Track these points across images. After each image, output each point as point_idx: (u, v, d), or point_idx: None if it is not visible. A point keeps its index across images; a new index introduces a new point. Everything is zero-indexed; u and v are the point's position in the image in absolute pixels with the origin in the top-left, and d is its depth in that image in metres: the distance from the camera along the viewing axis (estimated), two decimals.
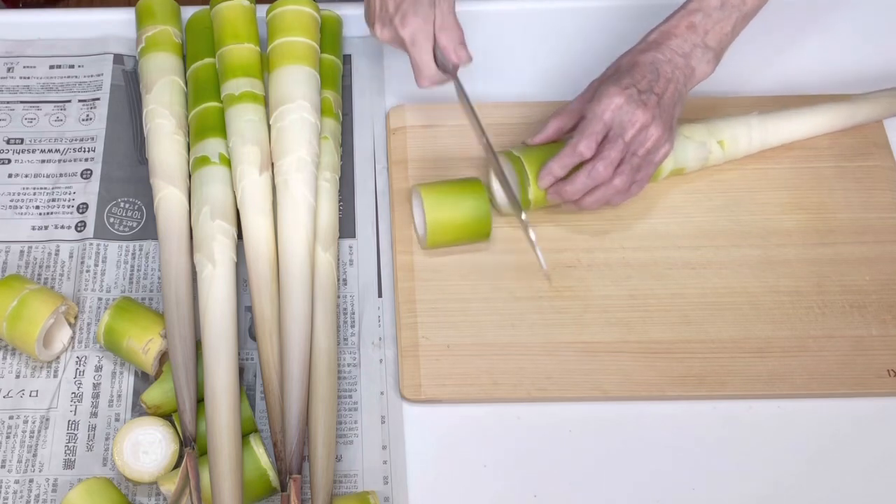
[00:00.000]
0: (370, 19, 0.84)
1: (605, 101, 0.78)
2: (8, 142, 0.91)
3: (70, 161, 0.90)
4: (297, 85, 0.84)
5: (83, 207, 0.87)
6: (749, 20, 0.82)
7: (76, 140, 0.91)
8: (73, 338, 0.81)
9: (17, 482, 0.75)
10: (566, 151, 0.80)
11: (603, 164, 0.79)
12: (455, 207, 0.82)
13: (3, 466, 0.76)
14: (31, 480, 0.75)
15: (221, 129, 0.85)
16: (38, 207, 0.87)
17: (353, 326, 0.82)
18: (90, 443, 0.77)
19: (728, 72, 0.97)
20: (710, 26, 0.80)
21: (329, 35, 0.93)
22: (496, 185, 0.84)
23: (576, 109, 0.83)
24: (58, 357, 0.80)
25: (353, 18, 0.98)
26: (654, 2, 1.00)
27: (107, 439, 0.77)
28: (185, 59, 0.91)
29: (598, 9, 1.00)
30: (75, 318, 0.81)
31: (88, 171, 0.89)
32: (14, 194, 0.88)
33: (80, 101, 0.93)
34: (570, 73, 0.96)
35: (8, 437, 0.77)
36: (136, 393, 0.79)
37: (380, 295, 0.84)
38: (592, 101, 0.80)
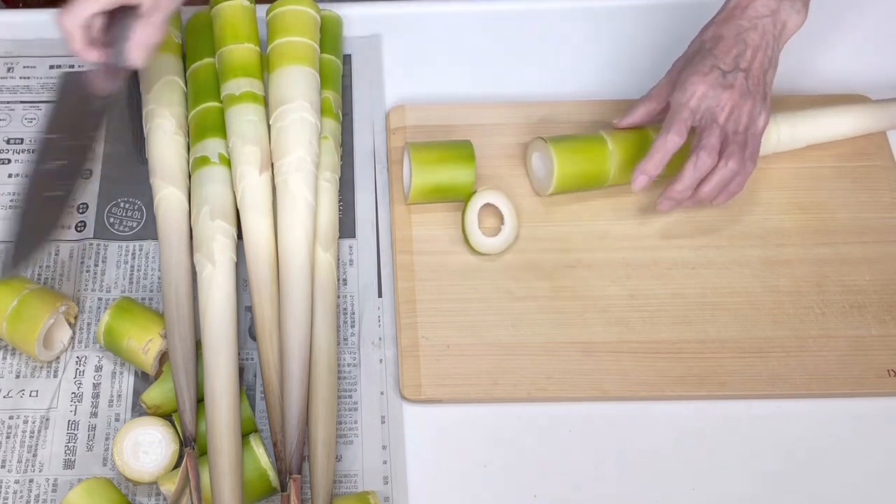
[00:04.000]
0: None
1: (689, 90, 0.78)
2: (8, 142, 0.91)
3: None
4: (297, 85, 0.84)
5: (83, 207, 0.87)
6: None
7: None
8: (73, 338, 0.81)
9: (17, 482, 0.75)
10: (657, 147, 0.79)
11: (705, 151, 0.78)
12: (441, 168, 0.84)
13: (3, 466, 0.76)
14: (31, 480, 0.75)
15: (221, 129, 0.85)
16: None
17: (353, 326, 0.82)
18: (90, 443, 0.77)
19: None
20: None
21: (329, 35, 0.93)
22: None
23: (662, 94, 0.82)
24: (58, 357, 0.80)
25: (353, 18, 0.98)
26: (657, 3, 1.01)
27: (107, 439, 0.77)
28: (185, 59, 0.91)
29: (604, 9, 1.00)
30: (75, 318, 0.81)
31: (88, 171, 0.89)
32: (14, 194, 0.88)
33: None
34: (576, 72, 0.96)
35: (8, 437, 0.77)
36: (136, 393, 0.79)
37: (380, 295, 0.84)
38: (676, 90, 0.79)
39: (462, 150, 0.84)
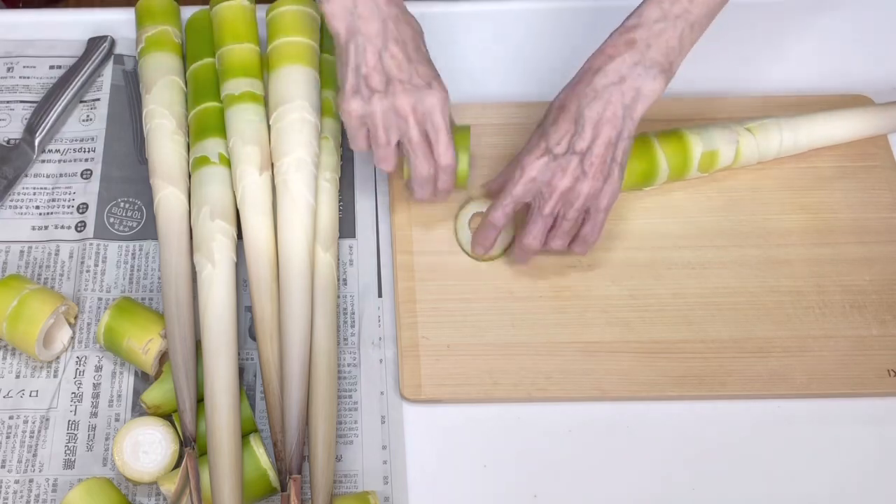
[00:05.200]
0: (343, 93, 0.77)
1: (518, 174, 0.76)
2: (8, 142, 0.91)
3: (70, 161, 0.90)
4: (296, 85, 0.84)
5: (83, 207, 0.87)
6: (700, 30, 0.75)
7: (76, 140, 0.91)
8: (73, 338, 0.81)
9: (17, 482, 0.75)
10: (483, 223, 0.80)
11: (531, 237, 0.78)
12: None
13: (3, 466, 0.76)
14: (31, 480, 0.75)
15: (221, 129, 0.85)
16: (38, 207, 0.87)
17: (353, 326, 0.82)
18: (90, 443, 0.77)
19: (741, 71, 0.97)
20: (652, 40, 0.73)
21: (329, 35, 0.92)
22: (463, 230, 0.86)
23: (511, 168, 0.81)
24: (58, 357, 0.80)
25: None
26: None
27: (107, 439, 0.77)
28: (185, 59, 0.91)
29: (604, 9, 1.00)
30: (75, 318, 0.81)
31: (88, 171, 0.89)
32: (14, 194, 0.88)
33: (80, 101, 0.93)
34: (572, 73, 0.96)
35: (8, 437, 0.77)
36: (136, 393, 0.79)
37: (380, 295, 0.84)
38: (511, 168, 0.78)
39: (458, 136, 0.83)
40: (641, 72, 0.72)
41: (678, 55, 0.74)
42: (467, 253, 0.84)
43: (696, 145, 0.85)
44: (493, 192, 0.84)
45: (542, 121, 0.78)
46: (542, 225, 0.78)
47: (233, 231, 0.81)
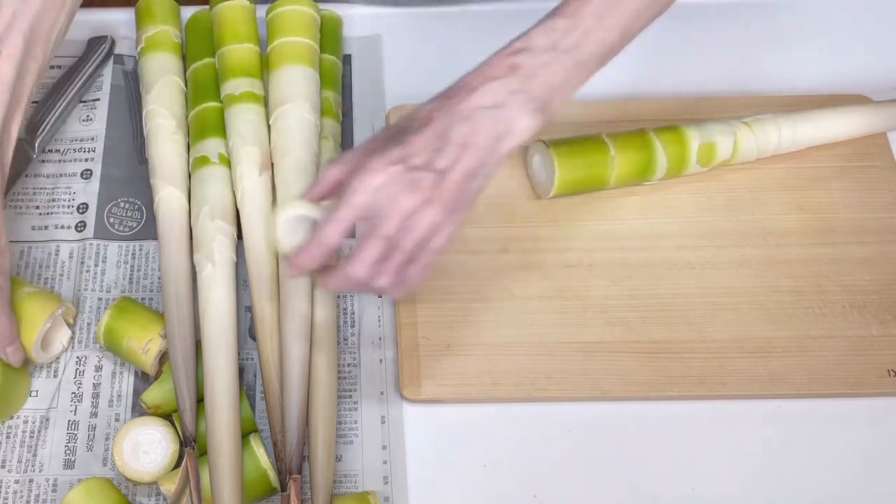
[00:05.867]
0: None
1: (362, 179, 0.63)
2: None
3: (70, 161, 0.90)
4: (296, 85, 0.84)
5: (83, 207, 0.87)
6: (588, 72, 0.66)
7: (76, 140, 0.91)
8: (72, 338, 0.81)
9: (17, 482, 0.75)
10: (313, 241, 0.65)
11: (358, 265, 0.64)
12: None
13: (3, 466, 0.76)
14: (31, 480, 0.75)
15: (221, 129, 0.85)
16: (37, 207, 0.87)
17: (353, 326, 0.82)
18: (90, 443, 0.77)
19: (737, 71, 0.97)
20: (537, 70, 0.64)
21: (329, 35, 0.93)
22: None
23: (352, 160, 0.66)
24: (57, 358, 0.80)
25: (353, 18, 0.98)
26: None
27: (107, 439, 0.77)
28: (185, 60, 0.91)
29: None
30: (74, 318, 0.81)
31: (88, 172, 0.89)
32: (14, 194, 0.88)
33: (80, 101, 0.93)
34: None
35: (8, 437, 0.77)
36: (136, 393, 0.79)
37: (380, 295, 0.84)
38: (354, 172, 0.64)
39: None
40: (519, 104, 0.63)
41: (559, 94, 0.65)
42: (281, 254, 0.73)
43: (694, 138, 0.85)
44: (319, 197, 0.68)
45: (399, 126, 0.66)
46: (377, 251, 0.63)
47: (233, 231, 0.81)
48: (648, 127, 0.86)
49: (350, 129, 0.92)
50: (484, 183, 0.64)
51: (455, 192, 0.63)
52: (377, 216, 0.63)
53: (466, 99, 0.64)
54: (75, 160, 0.90)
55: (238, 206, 0.81)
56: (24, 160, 0.88)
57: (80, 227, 0.86)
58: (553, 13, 0.66)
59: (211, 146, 0.84)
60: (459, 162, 0.63)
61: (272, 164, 0.83)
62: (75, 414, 0.78)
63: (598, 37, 0.65)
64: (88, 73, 0.93)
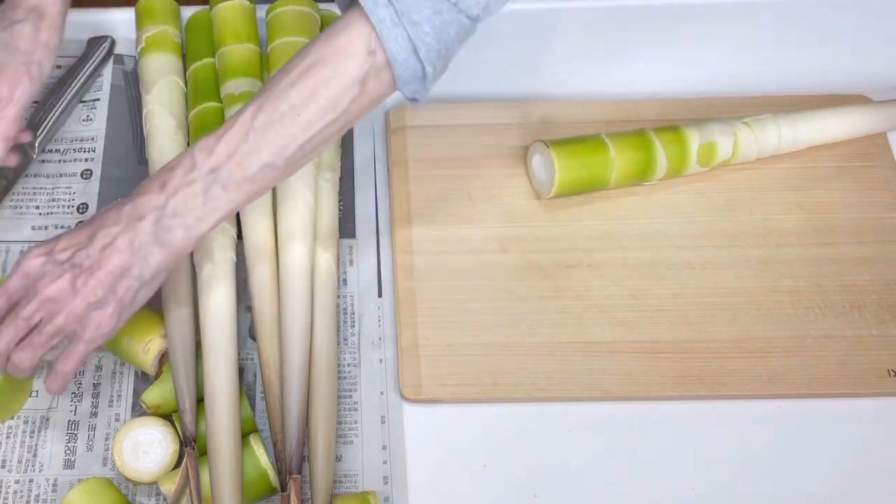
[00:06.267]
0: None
1: (16, 265, 0.68)
2: None
3: (70, 161, 0.90)
4: None
5: (83, 207, 0.87)
6: (239, 193, 0.66)
7: (76, 140, 0.91)
8: None
9: (17, 482, 0.75)
10: None
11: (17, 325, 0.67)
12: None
13: (3, 466, 0.76)
14: (31, 480, 0.75)
15: None
16: (38, 207, 0.87)
17: (353, 326, 0.82)
18: (90, 443, 0.77)
19: (732, 72, 0.97)
20: (181, 189, 0.66)
21: None
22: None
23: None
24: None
25: None
26: (656, 3, 1.01)
27: (107, 439, 0.77)
28: (185, 59, 0.91)
29: (603, 9, 1.00)
30: None
31: (88, 171, 0.89)
32: (14, 194, 0.88)
33: (80, 101, 0.93)
34: (576, 73, 0.96)
35: (8, 437, 0.77)
36: (136, 393, 0.79)
37: (380, 295, 0.84)
38: (18, 263, 0.68)
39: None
40: (164, 222, 0.66)
41: (203, 211, 0.66)
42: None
43: (694, 138, 0.85)
44: None
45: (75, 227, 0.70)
46: (14, 329, 0.67)
47: (233, 231, 0.81)
48: (648, 127, 0.86)
49: (350, 129, 0.92)
50: (136, 287, 0.67)
51: (95, 287, 0.66)
52: (24, 299, 0.67)
53: (120, 208, 0.68)
54: (75, 160, 0.90)
55: None
56: (24, 160, 0.88)
57: None
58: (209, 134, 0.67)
59: None
60: (104, 261, 0.66)
61: None
62: (75, 414, 0.78)
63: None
64: (88, 73, 0.93)
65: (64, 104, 0.91)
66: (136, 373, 0.80)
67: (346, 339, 0.82)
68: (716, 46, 0.99)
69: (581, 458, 0.77)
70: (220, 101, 0.87)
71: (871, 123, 0.89)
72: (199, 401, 0.75)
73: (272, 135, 0.66)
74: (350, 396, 0.79)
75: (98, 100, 0.93)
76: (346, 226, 0.87)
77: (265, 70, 0.88)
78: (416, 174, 0.88)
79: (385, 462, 0.76)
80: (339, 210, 0.86)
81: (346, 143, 0.91)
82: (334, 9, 0.95)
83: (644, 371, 0.79)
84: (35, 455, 0.76)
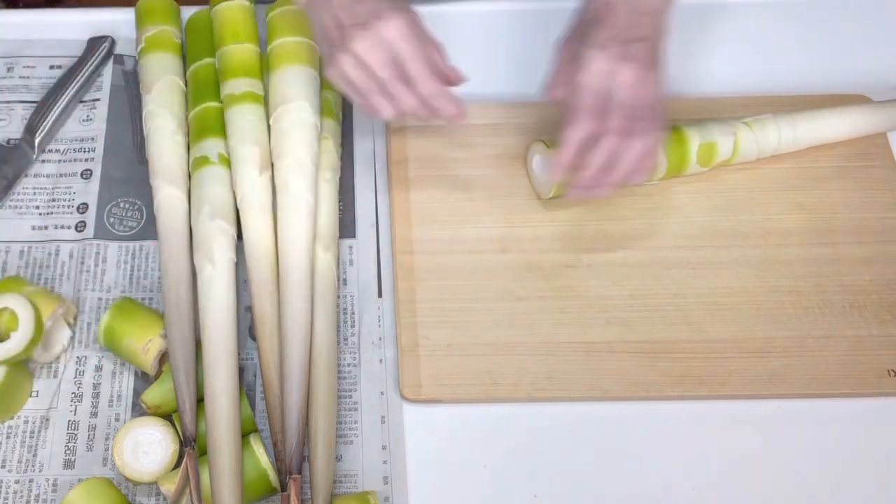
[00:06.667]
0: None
1: (589, 69, 0.72)
2: (8, 142, 0.91)
3: (70, 161, 0.90)
4: (296, 85, 0.84)
5: (83, 207, 0.87)
6: None
7: (76, 140, 0.91)
8: (72, 338, 0.81)
9: (17, 482, 0.75)
10: (568, 139, 0.75)
11: (611, 134, 0.73)
12: None
13: (3, 466, 0.76)
14: (31, 480, 0.75)
15: (221, 130, 0.85)
16: (38, 207, 0.87)
17: (353, 326, 0.82)
18: (90, 443, 0.77)
19: (732, 71, 0.97)
20: None
21: None
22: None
23: (567, 80, 0.76)
24: (57, 357, 0.80)
25: None
26: None
27: (107, 439, 0.77)
28: (185, 60, 0.91)
29: None
30: (74, 318, 0.81)
31: (88, 171, 0.89)
32: (14, 194, 0.88)
33: (80, 101, 0.93)
34: None
35: (8, 437, 0.77)
36: (136, 393, 0.79)
37: (380, 295, 0.84)
38: (579, 70, 0.73)
39: None
40: None
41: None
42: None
43: (694, 138, 0.85)
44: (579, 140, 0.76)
45: (585, 25, 0.75)
46: (621, 121, 0.73)
47: (233, 231, 0.81)
48: None
49: (350, 129, 0.92)
50: (666, 41, 0.74)
51: (657, 52, 0.73)
52: (614, 91, 0.72)
53: None
54: (75, 160, 0.90)
55: (238, 206, 0.81)
56: (24, 160, 0.88)
57: (80, 227, 0.86)
58: None
59: (211, 146, 0.84)
60: (652, 26, 0.72)
61: (272, 164, 0.83)
62: (75, 414, 0.78)
63: None
64: (88, 73, 0.93)
65: (64, 104, 0.91)
66: (136, 373, 0.80)
67: (346, 339, 0.82)
68: (716, 46, 0.99)
69: (581, 458, 0.77)
70: (220, 101, 0.87)
71: (871, 123, 0.89)
72: (199, 401, 0.75)
73: None
74: (350, 396, 0.79)
75: (98, 100, 0.93)
76: (346, 226, 0.87)
77: (265, 70, 0.88)
78: (416, 174, 0.89)
79: (385, 462, 0.76)
80: (339, 210, 0.86)
81: (346, 143, 0.91)
82: None
83: (644, 371, 0.79)
84: (35, 455, 0.76)
